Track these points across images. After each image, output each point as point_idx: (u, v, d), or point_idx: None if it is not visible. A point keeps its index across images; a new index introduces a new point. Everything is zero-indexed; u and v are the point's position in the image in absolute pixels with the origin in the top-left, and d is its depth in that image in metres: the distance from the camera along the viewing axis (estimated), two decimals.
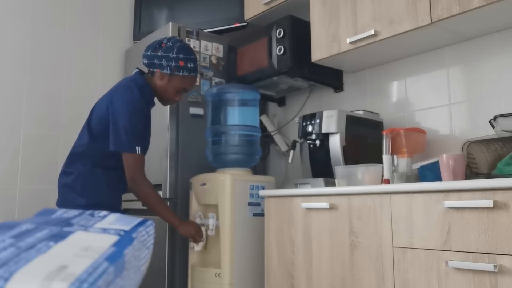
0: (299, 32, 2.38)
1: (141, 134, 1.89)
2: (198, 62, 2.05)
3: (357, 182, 1.82)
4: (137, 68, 2.06)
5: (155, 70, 1.95)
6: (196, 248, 2.08)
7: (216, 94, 2.37)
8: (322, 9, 2.27)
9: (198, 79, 2.58)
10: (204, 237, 2.08)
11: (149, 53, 1.96)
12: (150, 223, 0.48)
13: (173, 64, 1.93)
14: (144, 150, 1.91)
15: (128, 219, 0.47)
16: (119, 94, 1.88)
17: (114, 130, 1.85)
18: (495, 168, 1.59)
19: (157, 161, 2.48)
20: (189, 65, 1.96)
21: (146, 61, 1.97)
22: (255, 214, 2.21)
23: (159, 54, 1.93)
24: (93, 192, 1.88)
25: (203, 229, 2.09)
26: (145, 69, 2.06)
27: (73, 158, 1.94)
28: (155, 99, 2.05)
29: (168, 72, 1.94)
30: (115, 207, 1.95)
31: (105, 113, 1.88)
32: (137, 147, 1.85)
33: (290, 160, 2.50)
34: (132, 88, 1.89)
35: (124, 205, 2.31)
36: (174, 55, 1.93)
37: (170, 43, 1.95)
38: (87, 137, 1.92)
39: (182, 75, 1.95)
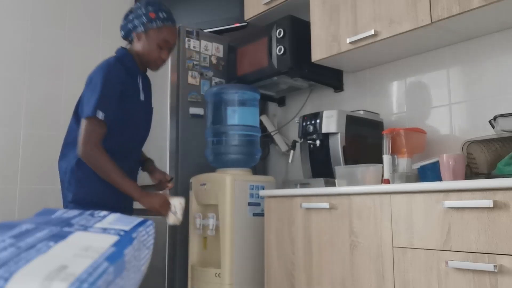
0: (299, 32, 2.38)
1: (110, 100, 1.65)
2: (172, 14, 1.87)
3: (357, 182, 1.82)
4: (120, 46, 1.91)
5: (132, 35, 1.82)
6: (169, 221, 1.79)
7: (216, 94, 2.37)
8: (322, 9, 2.27)
9: (198, 79, 2.58)
10: (178, 209, 1.77)
11: (122, 24, 1.86)
12: (150, 223, 0.48)
13: (144, 19, 1.79)
14: (108, 119, 1.64)
15: (128, 219, 0.47)
16: (96, 68, 1.75)
17: (84, 96, 1.70)
18: (495, 168, 1.59)
19: (157, 161, 2.48)
20: (161, 15, 1.81)
21: (122, 33, 1.86)
22: (255, 214, 2.21)
23: (130, 18, 1.83)
24: (81, 187, 1.68)
25: (176, 202, 1.77)
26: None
27: (64, 149, 1.80)
28: (148, 73, 1.90)
29: (143, 29, 1.79)
30: (110, 205, 1.62)
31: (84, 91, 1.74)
32: (98, 111, 1.61)
33: (290, 160, 2.50)
34: (109, 59, 1.75)
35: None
36: (143, 11, 1.80)
37: (138, 4, 1.84)
38: (74, 123, 1.78)
39: (157, 27, 1.79)
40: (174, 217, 1.76)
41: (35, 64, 2.77)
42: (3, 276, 0.27)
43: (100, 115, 1.61)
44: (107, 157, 1.64)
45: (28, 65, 2.75)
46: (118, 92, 1.69)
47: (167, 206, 1.75)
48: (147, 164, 2.01)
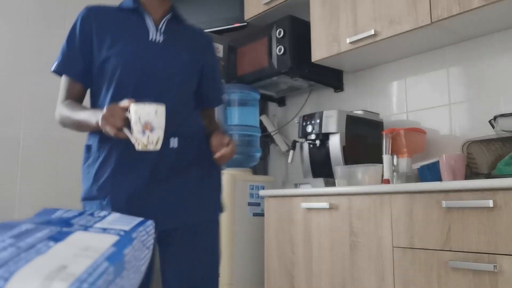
0: (299, 32, 2.38)
1: (71, 50, 1.32)
2: None
3: (357, 182, 1.82)
4: None
5: None
6: (137, 146, 1.09)
7: None
8: (322, 9, 2.27)
9: None
10: (134, 123, 1.08)
11: None
12: (150, 223, 0.48)
13: None
14: (67, 70, 1.31)
15: (128, 219, 0.47)
16: None
17: None
18: (495, 168, 1.59)
19: None
20: None
21: None
22: (255, 214, 2.21)
23: None
24: (83, 182, 1.31)
25: (132, 109, 1.09)
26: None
27: None
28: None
29: None
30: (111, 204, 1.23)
31: None
32: (55, 64, 1.33)
33: (290, 160, 2.50)
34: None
35: None
36: None
37: None
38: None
39: None
40: (139, 136, 1.09)
41: (35, 64, 2.77)
42: (3, 276, 0.27)
43: (54, 66, 1.31)
44: (63, 107, 1.30)
45: (28, 65, 2.75)
46: (86, 40, 1.30)
47: (116, 115, 1.10)
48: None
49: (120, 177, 1.26)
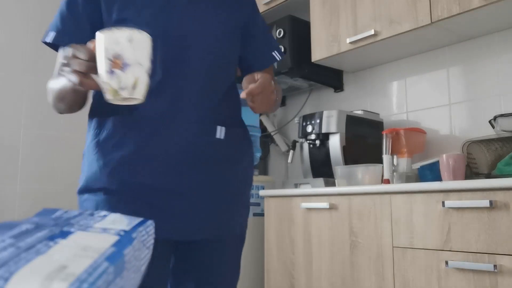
0: (299, 32, 2.38)
1: (76, 10, 1.00)
2: None
3: (357, 182, 1.82)
4: None
5: None
6: (106, 95, 0.77)
7: None
8: (322, 9, 2.27)
9: None
10: (100, 61, 0.76)
11: None
12: (150, 223, 0.48)
13: None
14: (69, 39, 0.95)
15: (128, 219, 0.47)
16: None
17: None
18: (495, 168, 1.59)
19: None
20: None
21: None
22: (255, 214, 2.21)
23: None
24: (87, 166, 1.01)
25: (98, 44, 0.77)
26: None
27: None
28: None
29: None
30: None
31: None
32: (50, 33, 1.00)
33: (290, 160, 2.50)
34: None
35: None
36: None
37: None
38: None
39: None
40: (106, 78, 0.75)
41: (35, 64, 2.77)
42: (3, 276, 0.27)
43: (50, 36, 0.99)
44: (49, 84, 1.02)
45: (28, 65, 2.75)
46: (91, 1, 1.00)
47: (81, 56, 0.79)
48: None
49: (141, 164, 0.95)
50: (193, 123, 0.99)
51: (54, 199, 1.95)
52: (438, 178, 1.70)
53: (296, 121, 2.26)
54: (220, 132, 1.02)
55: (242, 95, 0.91)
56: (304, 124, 2.17)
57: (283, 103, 2.90)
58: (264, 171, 2.93)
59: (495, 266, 1.29)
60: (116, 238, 0.39)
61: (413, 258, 1.50)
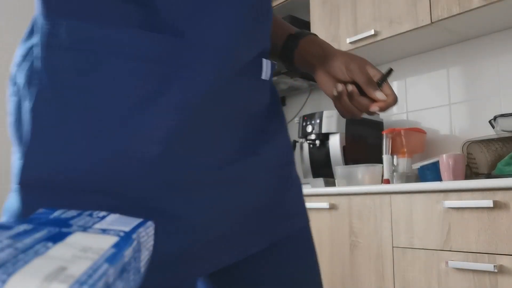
0: None
1: None
2: None
3: (357, 182, 1.82)
4: None
5: None
6: None
7: None
8: (322, 9, 2.26)
9: None
10: None
11: None
12: (150, 224, 0.47)
13: None
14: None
15: (128, 220, 0.47)
16: None
17: None
18: (495, 168, 1.59)
19: None
20: None
21: None
22: None
23: None
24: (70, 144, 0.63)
25: None
26: None
27: None
28: None
29: None
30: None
31: None
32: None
33: None
34: None
35: None
36: None
37: None
38: None
39: None
40: None
41: None
42: (0, 278, 0.26)
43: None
44: None
45: None
46: None
47: None
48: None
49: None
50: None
51: None
52: (438, 178, 1.70)
53: (296, 121, 2.26)
54: (266, 70, 0.61)
55: (374, 108, 0.65)
56: (304, 124, 2.17)
57: (283, 103, 2.90)
58: None
59: (495, 266, 1.29)
60: (115, 239, 0.39)
61: (413, 258, 1.49)
